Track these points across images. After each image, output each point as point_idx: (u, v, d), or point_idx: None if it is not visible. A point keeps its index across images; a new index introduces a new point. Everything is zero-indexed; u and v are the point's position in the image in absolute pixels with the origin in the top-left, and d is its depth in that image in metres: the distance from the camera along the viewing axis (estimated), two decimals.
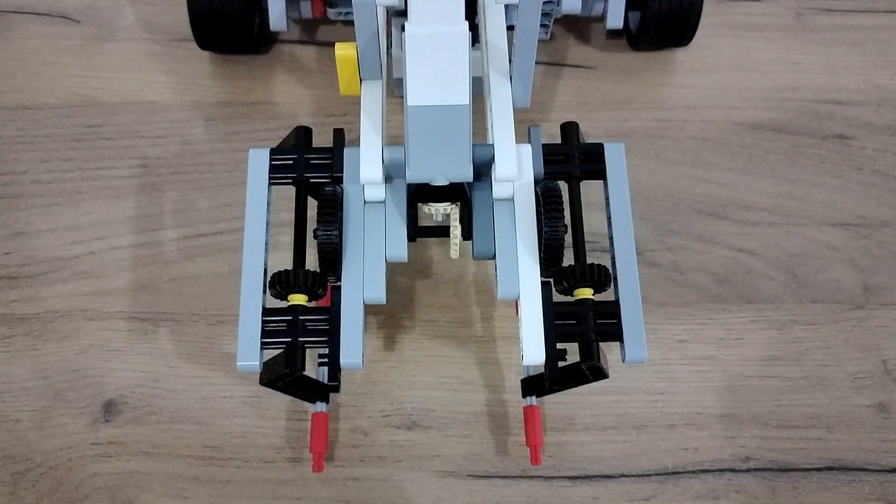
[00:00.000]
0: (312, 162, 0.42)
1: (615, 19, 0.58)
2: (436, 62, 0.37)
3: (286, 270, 0.39)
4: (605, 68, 0.61)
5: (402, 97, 0.38)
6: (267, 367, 0.39)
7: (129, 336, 0.51)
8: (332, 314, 0.39)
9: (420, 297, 0.52)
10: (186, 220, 0.54)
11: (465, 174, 0.38)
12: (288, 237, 0.44)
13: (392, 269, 0.49)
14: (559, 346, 0.39)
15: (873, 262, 0.54)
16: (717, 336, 0.51)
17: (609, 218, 0.41)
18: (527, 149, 0.41)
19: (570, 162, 0.42)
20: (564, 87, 0.60)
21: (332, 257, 0.39)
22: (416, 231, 0.42)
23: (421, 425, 0.49)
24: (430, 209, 0.41)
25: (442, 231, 0.44)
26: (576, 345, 0.39)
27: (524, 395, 0.47)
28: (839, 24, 0.63)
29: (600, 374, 0.39)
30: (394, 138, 0.55)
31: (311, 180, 0.42)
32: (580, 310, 0.39)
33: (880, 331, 0.51)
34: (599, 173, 0.42)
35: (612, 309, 0.39)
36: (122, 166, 0.56)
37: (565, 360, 0.39)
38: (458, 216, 0.41)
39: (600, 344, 0.39)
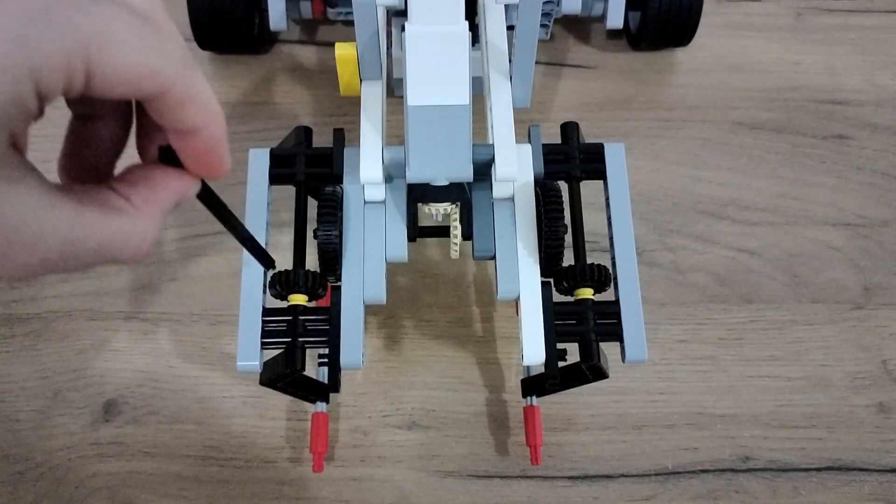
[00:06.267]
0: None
1: (615, 19, 0.58)
2: (436, 62, 0.37)
3: (286, 270, 0.39)
4: (605, 68, 0.61)
5: (402, 97, 0.38)
6: (267, 367, 0.39)
7: (129, 336, 0.51)
8: (332, 314, 0.39)
9: (420, 297, 0.52)
10: (186, 220, 0.54)
11: (466, 174, 0.38)
12: (288, 237, 0.44)
13: (392, 269, 0.49)
14: (559, 346, 0.39)
15: (873, 262, 0.54)
16: (717, 336, 0.51)
17: (609, 218, 0.41)
18: (527, 149, 0.41)
19: (570, 162, 0.42)
20: (564, 87, 0.60)
21: (332, 257, 0.39)
22: (416, 231, 0.42)
23: (421, 425, 0.48)
24: (430, 209, 0.41)
25: (442, 231, 0.44)
26: (576, 345, 0.39)
27: (524, 395, 0.47)
28: (839, 24, 0.63)
29: (600, 374, 0.39)
30: (394, 138, 0.55)
31: (311, 180, 0.42)
32: (580, 310, 0.39)
33: (880, 331, 0.51)
34: (599, 173, 0.42)
35: (612, 309, 0.39)
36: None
37: (565, 360, 0.39)
38: (458, 216, 0.41)
39: (600, 344, 0.39)
